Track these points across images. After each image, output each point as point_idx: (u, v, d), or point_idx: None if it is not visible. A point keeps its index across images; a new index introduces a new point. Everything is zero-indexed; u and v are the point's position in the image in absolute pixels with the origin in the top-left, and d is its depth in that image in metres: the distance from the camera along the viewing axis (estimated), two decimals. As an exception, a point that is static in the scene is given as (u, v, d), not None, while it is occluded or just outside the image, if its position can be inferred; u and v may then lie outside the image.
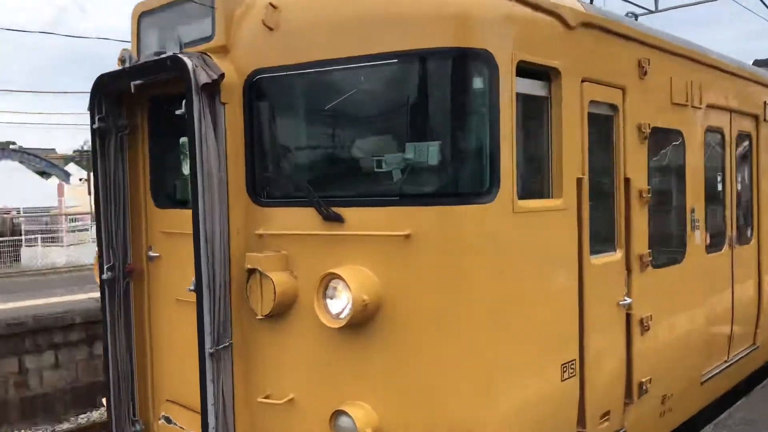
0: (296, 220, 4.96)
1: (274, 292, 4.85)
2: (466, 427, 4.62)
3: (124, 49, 5.58)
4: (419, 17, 4.63)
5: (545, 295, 5.09)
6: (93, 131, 5.70)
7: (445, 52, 4.59)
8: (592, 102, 5.55)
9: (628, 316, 6.08)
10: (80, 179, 43.11)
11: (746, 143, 8.65)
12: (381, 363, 4.74)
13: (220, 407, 4.98)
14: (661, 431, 6.74)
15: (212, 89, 4.88)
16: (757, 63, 11.74)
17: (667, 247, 6.88)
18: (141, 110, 5.89)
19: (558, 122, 5.23)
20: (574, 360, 5.37)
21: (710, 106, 7.41)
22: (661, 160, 6.79)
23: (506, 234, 4.76)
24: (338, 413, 4.70)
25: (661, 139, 6.58)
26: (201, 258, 4.88)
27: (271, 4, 4.90)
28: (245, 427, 5.16)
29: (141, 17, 5.74)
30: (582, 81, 5.42)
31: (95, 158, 5.72)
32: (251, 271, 4.97)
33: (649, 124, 6.24)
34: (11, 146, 43.44)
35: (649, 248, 6.30)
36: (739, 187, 8.42)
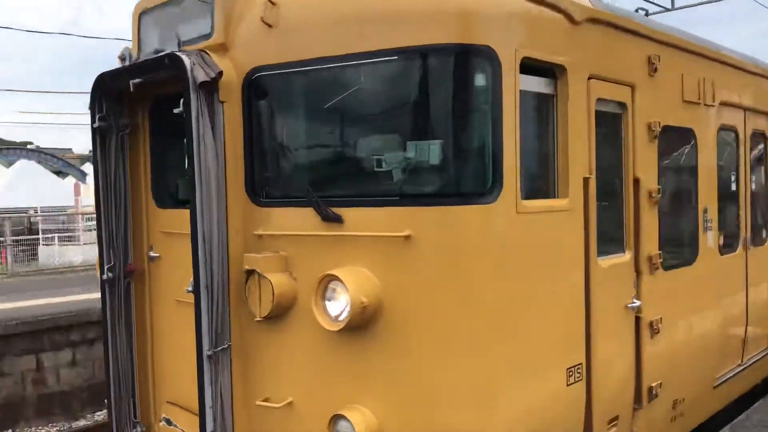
0: (295, 221, 4.88)
1: (273, 294, 4.77)
2: None
3: (124, 48, 5.53)
4: (420, 13, 4.52)
5: (550, 298, 4.97)
6: (93, 130, 5.66)
7: (446, 48, 4.48)
8: (599, 100, 5.41)
9: (638, 319, 5.94)
10: (97, 179, 43.09)
11: (761, 142, 8.46)
12: (381, 366, 4.64)
13: (218, 410, 4.91)
14: None
15: (210, 87, 4.81)
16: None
17: (679, 249, 6.73)
18: (142, 109, 5.84)
19: (564, 120, 5.11)
20: (581, 364, 5.24)
21: (723, 104, 7.23)
22: (672, 160, 6.63)
23: (509, 235, 4.65)
24: (337, 417, 4.62)
25: (671, 137, 6.42)
26: (199, 258, 4.81)
27: (269, 1, 4.82)
28: (244, 430, 5.09)
29: (141, 15, 5.69)
30: (589, 78, 5.29)
31: (95, 157, 5.67)
32: (249, 272, 4.89)
33: (659, 123, 6.09)
34: (28, 146, 43.83)
35: (659, 249, 6.15)
36: (753, 187, 8.22)
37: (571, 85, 5.10)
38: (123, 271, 5.80)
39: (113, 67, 5.60)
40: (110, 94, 5.60)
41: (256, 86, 4.95)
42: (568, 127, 5.10)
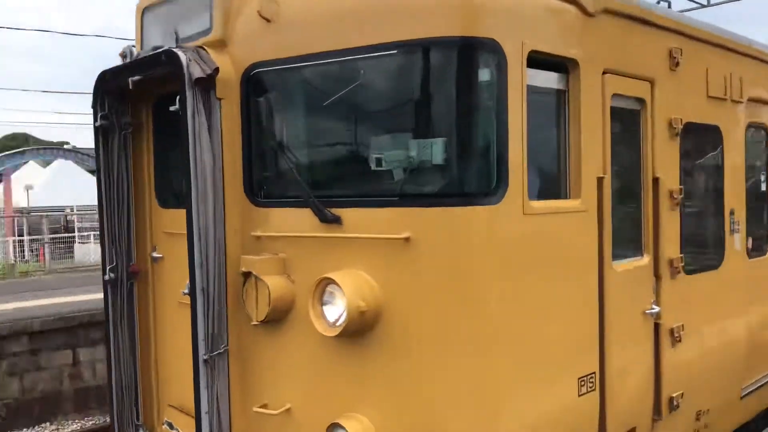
0: (294, 221, 4.72)
1: (269, 298, 4.62)
2: None
3: (126, 46, 5.45)
4: (420, 5, 4.32)
5: (560, 305, 4.72)
6: (96, 129, 5.58)
7: (448, 41, 4.28)
8: (615, 95, 5.15)
9: (657, 326, 5.65)
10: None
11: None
12: (380, 374, 4.46)
13: (215, 415, 4.78)
14: None
15: (206, 84, 4.68)
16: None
17: (703, 252, 6.41)
18: (146, 108, 5.76)
19: (576, 117, 4.86)
20: (594, 373, 4.99)
21: (752, 100, 6.88)
22: (696, 158, 6.33)
23: (515, 237, 4.42)
24: (334, 426, 4.45)
25: (695, 135, 6.11)
26: (194, 260, 4.68)
27: (267, -5, 4.67)
28: None
29: (144, 12, 5.60)
30: (603, 73, 5.03)
31: (98, 156, 5.60)
32: (246, 275, 4.75)
33: (681, 119, 5.79)
34: (65, 146, 44.64)
35: (681, 253, 5.86)
36: None
37: (583, 80, 4.85)
38: (126, 272, 5.72)
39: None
40: (112, 93, 5.52)
41: (254, 83, 4.81)
42: (581, 124, 4.85)
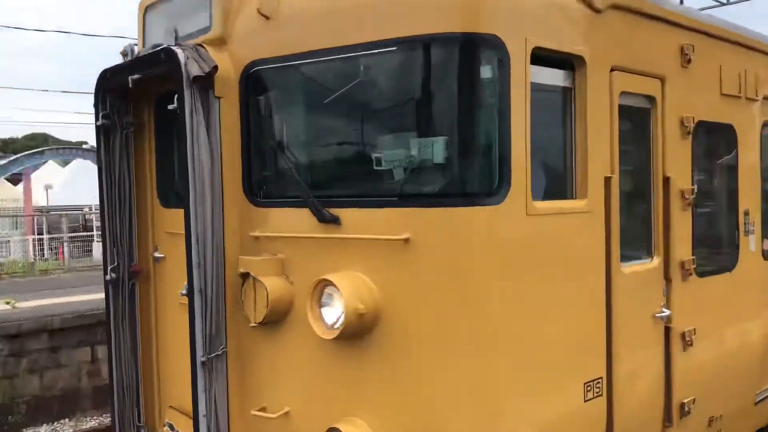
0: (293, 222, 4.65)
1: (267, 299, 4.55)
2: None
3: (127, 44, 5.41)
4: (421, 1, 4.22)
5: (564, 306, 4.60)
6: (97, 128, 5.54)
7: (449, 38, 4.17)
8: (623, 93, 5.01)
9: (668, 330, 5.51)
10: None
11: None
12: (379, 377, 4.37)
13: (213, 418, 4.72)
14: None
15: (205, 82, 4.62)
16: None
17: (716, 254, 6.25)
18: (147, 107, 5.71)
19: (582, 116, 4.74)
20: (601, 378, 4.86)
21: None
22: (709, 157, 6.16)
23: (518, 238, 4.31)
24: (332, 431, 4.36)
25: (708, 134, 5.96)
26: (192, 261, 4.62)
27: (266, -9, 4.60)
28: None
29: (146, 10, 5.56)
30: (611, 70, 4.90)
31: (99, 156, 5.56)
32: (245, 276, 4.68)
33: (693, 118, 5.64)
34: (84, 146, 45.02)
35: (692, 254, 5.70)
36: None
37: (590, 78, 4.72)
38: (127, 272, 5.67)
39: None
40: (114, 91, 5.47)
41: (254, 81, 4.74)
42: (587, 122, 4.73)
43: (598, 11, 4.76)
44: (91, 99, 5.52)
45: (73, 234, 31.71)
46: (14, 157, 36.47)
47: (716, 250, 6.30)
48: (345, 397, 4.48)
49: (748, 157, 6.44)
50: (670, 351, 5.53)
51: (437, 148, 4.24)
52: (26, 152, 37.49)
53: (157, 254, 5.75)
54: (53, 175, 44.89)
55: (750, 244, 6.47)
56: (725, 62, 6.05)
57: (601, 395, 4.86)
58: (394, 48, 4.25)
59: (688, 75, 5.62)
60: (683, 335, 5.61)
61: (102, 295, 5.78)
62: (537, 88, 4.43)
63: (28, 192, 36.78)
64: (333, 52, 4.42)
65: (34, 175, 39.26)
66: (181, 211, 5.38)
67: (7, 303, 12.96)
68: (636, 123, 5.33)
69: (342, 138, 4.75)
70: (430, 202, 4.26)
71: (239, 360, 4.89)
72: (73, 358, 11.61)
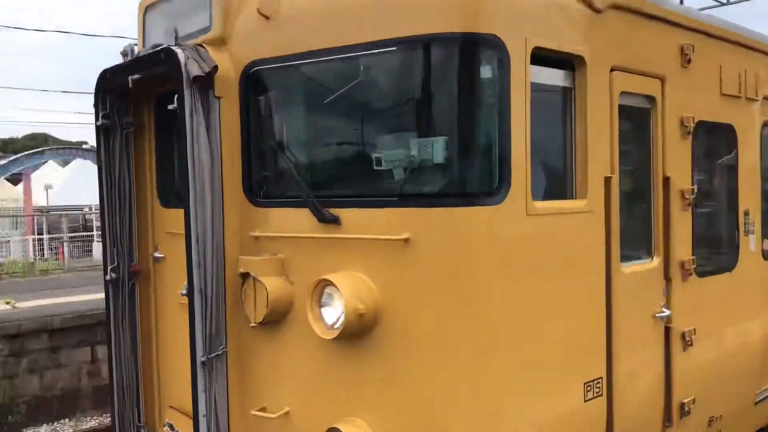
0: (293, 222, 4.65)
1: (267, 299, 4.55)
2: None
3: (127, 44, 5.40)
4: (421, 0, 4.23)
5: (565, 307, 4.60)
6: (97, 128, 5.54)
7: (449, 38, 4.17)
8: (623, 93, 5.01)
9: (668, 330, 5.51)
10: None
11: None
12: (379, 378, 4.37)
13: (213, 418, 4.72)
14: None
15: (205, 82, 4.61)
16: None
17: (716, 254, 6.25)
18: (148, 107, 5.71)
19: (582, 116, 4.74)
20: (601, 378, 4.86)
21: None
22: (709, 157, 6.16)
23: (518, 238, 4.31)
24: (332, 430, 4.36)
25: (708, 134, 5.96)
26: (192, 261, 4.62)
27: (266, -9, 4.60)
28: None
29: (146, 10, 5.56)
30: (611, 70, 4.90)
31: (99, 156, 5.56)
32: (245, 276, 4.68)
33: (693, 118, 5.64)
34: (84, 146, 45.02)
35: (692, 255, 5.70)
36: None
37: (590, 78, 4.72)
38: (127, 272, 5.67)
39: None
40: (113, 91, 5.47)
41: (254, 81, 4.74)
42: (587, 122, 4.73)
43: (598, 11, 4.76)
44: (92, 99, 5.52)
45: (73, 234, 31.67)
46: (14, 157, 36.46)
47: (716, 250, 6.30)
48: (345, 397, 4.48)
49: (748, 157, 6.44)
50: (670, 351, 5.53)
51: (437, 148, 4.24)
52: (26, 152, 37.47)
53: (157, 254, 5.75)
54: (53, 175, 44.88)
55: (750, 244, 6.47)
56: (725, 62, 6.05)
57: (601, 395, 4.86)
58: (394, 48, 4.25)
59: (688, 75, 5.62)
60: (683, 335, 5.61)
61: (102, 295, 5.78)
62: (537, 88, 4.43)
63: (28, 192, 36.77)
64: (333, 52, 4.42)
65: (34, 175, 39.24)
66: (181, 211, 5.38)
67: (7, 303, 12.99)
68: (636, 123, 5.33)
69: (342, 138, 4.74)
70: (430, 202, 4.26)
71: (239, 360, 4.89)
72: (73, 358, 11.62)
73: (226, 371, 4.81)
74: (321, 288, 4.35)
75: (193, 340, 4.66)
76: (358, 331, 4.30)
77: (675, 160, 5.53)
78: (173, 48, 4.67)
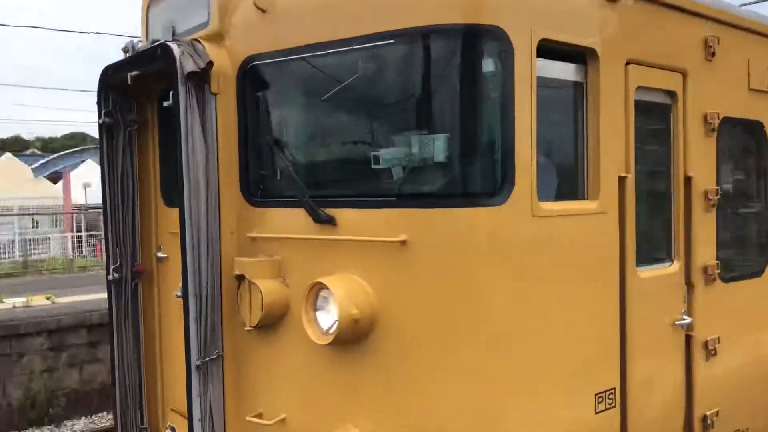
0: (289, 222, 4.49)
1: (262, 302, 4.41)
2: None
3: (129, 40, 5.32)
4: None
5: (573, 312, 4.36)
6: (100, 126, 5.47)
7: (448, 30, 3.97)
8: (640, 88, 4.74)
9: (689, 338, 5.22)
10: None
11: None
12: (376, 384, 4.19)
13: (208, 422, 4.60)
14: None
15: (200, 78, 4.49)
16: None
17: (743, 258, 5.92)
18: (151, 104, 5.62)
19: (595, 112, 4.48)
20: (614, 389, 4.60)
21: None
22: (736, 156, 5.83)
23: (522, 241, 4.08)
24: (327, 439, 4.20)
25: (735, 131, 5.63)
26: (187, 262, 4.51)
27: (262, -16, 4.45)
28: None
29: (149, 7, 5.48)
30: (627, 63, 4.64)
31: (102, 154, 5.49)
32: (241, 278, 4.55)
33: (718, 114, 5.33)
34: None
35: (717, 259, 5.39)
36: None
37: (603, 72, 4.47)
38: (130, 272, 5.59)
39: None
40: (116, 89, 5.39)
41: (251, 76, 4.60)
42: (600, 119, 4.47)
43: (612, 1, 4.50)
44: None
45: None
46: (54, 156, 37.28)
47: (744, 255, 5.97)
48: (341, 402, 4.32)
49: None
50: (692, 360, 5.24)
51: (438, 146, 4.04)
52: (65, 151, 38.25)
53: (160, 254, 5.66)
54: (91, 173, 45.68)
55: None
56: (754, 56, 5.71)
57: (614, 407, 4.61)
58: (392, 41, 4.06)
59: (713, 69, 5.31)
60: (706, 344, 5.31)
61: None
62: (545, 83, 4.20)
63: (67, 190, 37.51)
64: (329, 46, 4.25)
65: (72, 174, 40.04)
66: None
67: (47, 298, 13.28)
68: (655, 120, 5.05)
69: (339, 135, 4.58)
70: (430, 203, 4.07)
71: (235, 364, 4.76)
72: (112, 353, 11.84)
73: (222, 375, 4.68)
74: (316, 291, 4.19)
75: (187, 343, 4.54)
76: (353, 337, 4.13)
77: (698, 159, 5.23)
78: (168, 43, 4.56)
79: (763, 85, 5.80)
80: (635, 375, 4.73)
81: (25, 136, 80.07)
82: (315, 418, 4.40)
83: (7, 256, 28.12)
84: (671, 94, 5.06)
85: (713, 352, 5.35)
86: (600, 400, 4.51)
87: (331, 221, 4.25)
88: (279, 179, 4.66)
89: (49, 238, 31.09)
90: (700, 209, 5.26)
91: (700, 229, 5.26)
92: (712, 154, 5.37)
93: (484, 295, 4.02)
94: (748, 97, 5.69)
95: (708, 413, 5.32)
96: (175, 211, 5.44)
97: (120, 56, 5.43)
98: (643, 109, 4.79)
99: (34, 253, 28.19)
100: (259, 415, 4.64)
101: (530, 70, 4.05)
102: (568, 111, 4.52)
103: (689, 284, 5.22)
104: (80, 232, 32.71)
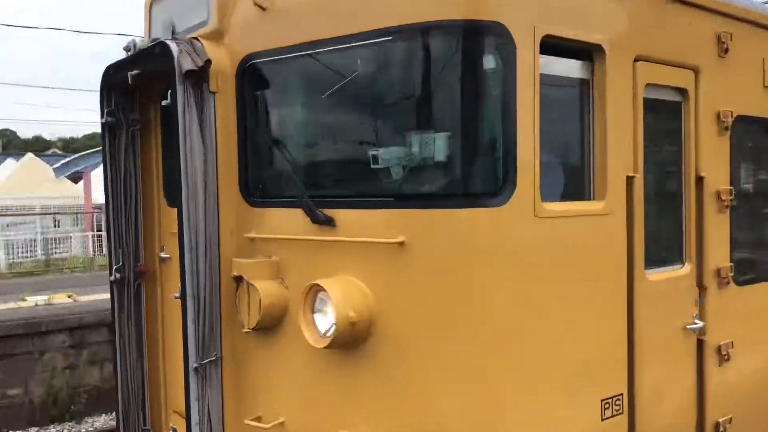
0: (288, 223, 4.42)
1: (260, 304, 4.34)
2: None
3: (130, 39, 5.28)
4: None
5: (577, 316, 4.24)
6: (102, 126, 5.44)
7: (448, 25, 3.87)
8: (649, 85, 4.61)
9: (700, 343, 5.07)
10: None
11: None
12: (375, 388, 4.11)
13: (206, 424, 4.54)
14: None
15: (198, 77, 4.44)
16: None
17: (759, 260, 5.75)
18: (153, 104, 5.57)
19: (601, 110, 4.36)
20: (621, 395, 4.47)
21: None
22: (750, 156, 5.66)
23: (524, 242, 3.97)
24: (325, 444, 4.13)
25: (749, 129, 5.47)
26: (185, 263, 4.46)
27: (261, -19, 4.39)
28: None
29: (152, 6, 5.44)
30: (635, 60, 4.51)
31: (104, 154, 5.46)
32: (239, 279, 4.49)
33: (731, 112, 5.18)
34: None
35: (730, 261, 5.24)
36: None
37: (610, 69, 4.34)
38: (133, 272, 5.56)
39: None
40: (118, 88, 5.36)
41: (249, 75, 4.54)
42: (607, 117, 4.35)
43: None
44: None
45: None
46: (75, 156, 37.65)
47: (759, 257, 5.80)
48: (340, 405, 4.25)
49: None
50: (704, 365, 5.09)
51: (438, 145, 3.94)
52: (86, 151, 38.62)
53: (163, 254, 5.62)
54: (112, 173, 46.05)
55: None
56: None
57: (622, 413, 4.48)
58: (390, 37, 3.98)
59: (726, 66, 5.15)
60: (719, 348, 5.17)
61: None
62: (550, 81, 4.09)
63: (87, 190, 37.78)
64: (327, 44, 4.17)
65: (93, 174, 40.28)
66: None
67: (69, 296, 13.40)
68: (666, 118, 4.91)
69: (338, 134, 4.50)
70: (429, 203, 3.97)
71: (234, 365, 4.70)
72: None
73: (220, 378, 4.63)
74: (314, 293, 4.12)
75: (185, 345, 4.49)
76: (350, 340, 4.05)
77: (710, 159, 5.08)
78: (167, 42, 4.51)
79: None
80: (644, 381, 4.60)
81: (47, 137, 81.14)
82: (314, 420, 4.33)
83: (29, 254, 28.42)
84: (682, 91, 4.92)
85: (726, 357, 5.20)
86: (606, 406, 4.39)
87: (329, 222, 4.18)
88: (279, 179, 4.60)
89: (71, 237, 31.33)
90: (713, 210, 5.11)
91: (712, 230, 5.11)
92: (725, 153, 5.22)
93: (485, 296, 3.92)
94: (763, 94, 5.53)
95: (721, 420, 5.17)
96: (176, 210, 5.42)
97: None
98: (652, 107, 4.66)
99: (56, 252, 28.45)
100: (258, 419, 4.58)
101: (533, 67, 3.94)
102: (573, 109, 4.40)
103: (701, 287, 5.07)
104: (101, 231, 32.91)
